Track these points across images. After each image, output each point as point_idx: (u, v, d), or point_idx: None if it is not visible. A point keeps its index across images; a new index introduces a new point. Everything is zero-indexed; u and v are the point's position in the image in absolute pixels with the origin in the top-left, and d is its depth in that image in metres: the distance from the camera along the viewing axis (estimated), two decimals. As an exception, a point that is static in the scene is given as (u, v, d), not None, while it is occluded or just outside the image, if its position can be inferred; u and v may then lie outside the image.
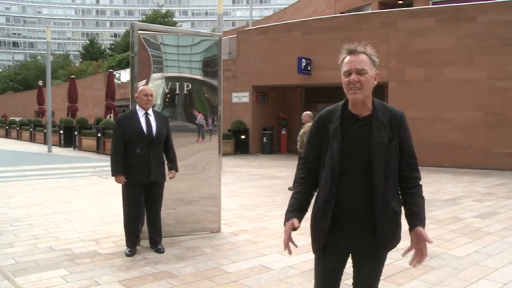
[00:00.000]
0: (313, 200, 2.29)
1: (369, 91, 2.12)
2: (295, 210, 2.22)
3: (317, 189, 2.26)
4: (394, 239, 2.21)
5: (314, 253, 2.30)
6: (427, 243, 2.13)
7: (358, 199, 2.10)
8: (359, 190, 2.10)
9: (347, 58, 2.13)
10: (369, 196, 2.09)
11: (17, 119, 33.03)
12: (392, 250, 2.24)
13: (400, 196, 2.24)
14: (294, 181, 2.37)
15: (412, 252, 2.19)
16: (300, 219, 2.21)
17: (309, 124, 9.77)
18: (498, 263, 4.53)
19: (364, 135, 2.11)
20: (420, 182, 2.24)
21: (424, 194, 2.26)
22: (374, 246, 2.16)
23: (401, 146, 2.16)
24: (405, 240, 2.25)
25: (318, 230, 2.19)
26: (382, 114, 2.14)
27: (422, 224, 2.14)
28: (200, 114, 5.61)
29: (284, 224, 2.21)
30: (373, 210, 2.09)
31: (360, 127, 2.12)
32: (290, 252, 2.20)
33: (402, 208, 2.23)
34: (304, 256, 4.44)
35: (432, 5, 18.04)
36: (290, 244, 2.19)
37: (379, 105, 2.17)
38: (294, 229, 2.18)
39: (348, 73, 2.10)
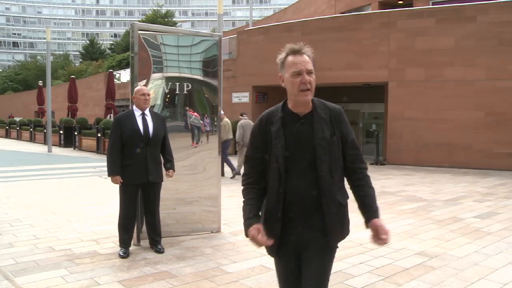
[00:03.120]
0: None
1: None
2: (255, 216, 2.21)
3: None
4: (342, 232, 2.24)
5: (269, 255, 2.30)
6: (387, 231, 2.16)
7: (306, 195, 2.14)
8: (306, 186, 2.13)
9: (293, 58, 2.14)
10: (316, 191, 2.13)
11: (17, 119, 33.04)
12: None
13: (347, 189, 2.28)
14: (243, 187, 2.32)
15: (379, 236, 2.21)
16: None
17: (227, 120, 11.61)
18: (498, 263, 4.53)
19: (306, 132, 2.15)
20: (368, 173, 2.28)
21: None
22: (323, 241, 2.18)
23: (343, 140, 2.21)
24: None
25: (271, 232, 2.19)
26: (322, 111, 2.19)
27: (377, 215, 2.19)
28: (195, 114, 5.50)
29: (246, 233, 2.17)
30: (321, 204, 2.13)
31: (302, 125, 2.16)
32: (268, 244, 2.17)
33: (351, 201, 2.28)
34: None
35: (432, 5, 18.04)
36: (266, 238, 2.16)
37: (318, 102, 2.22)
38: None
39: (299, 74, 2.11)
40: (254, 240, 2.13)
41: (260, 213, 2.26)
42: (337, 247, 2.26)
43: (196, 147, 5.55)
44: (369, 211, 2.21)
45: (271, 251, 2.26)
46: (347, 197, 2.26)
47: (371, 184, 2.26)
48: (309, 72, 2.12)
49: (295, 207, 2.16)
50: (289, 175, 2.15)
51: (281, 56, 2.19)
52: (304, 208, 2.16)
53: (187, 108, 5.46)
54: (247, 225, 2.18)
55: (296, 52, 2.14)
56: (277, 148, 2.15)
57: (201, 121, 5.54)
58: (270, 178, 2.21)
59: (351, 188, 2.27)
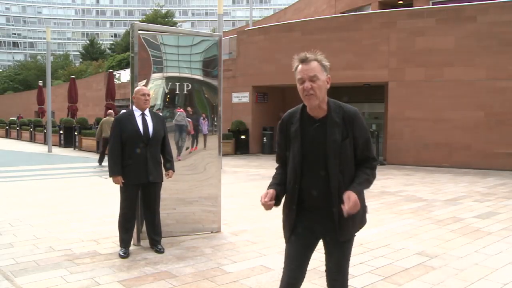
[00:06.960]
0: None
1: (323, 95, 2.33)
2: (275, 184, 2.47)
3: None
4: (354, 224, 2.40)
5: (286, 240, 2.50)
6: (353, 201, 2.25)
7: (318, 192, 2.34)
8: (318, 185, 2.34)
9: (300, 67, 2.32)
10: (327, 189, 2.32)
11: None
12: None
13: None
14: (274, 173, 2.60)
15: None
16: (280, 192, 2.44)
17: (104, 119, 13.13)
18: (498, 263, 4.53)
19: (320, 135, 2.33)
20: (375, 171, 2.43)
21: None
22: (337, 235, 2.37)
23: (355, 142, 2.35)
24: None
25: (288, 217, 2.46)
26: (336, 114, 2.34)
27: (354, 189, 2.29)
28: (181, 110, 5.38)
29: None
30: (331, 202, 2.31)
31: (317, 128, 2.34)
32: (269, 207, 2.34)
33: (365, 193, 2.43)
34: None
35: (432, 5, 18.04)
36: (269, 202, 2.33)
37: (334, 105, 2.37)
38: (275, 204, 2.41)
39: (302, 81, 2.30)
40: (262, 202, 2.35)
41: (283, 182, 2.47)
42: (355, 235, 2.46)
43: (191, 151, 5.50)
44: (350, 186, 2.33)
45: (286, 233, 2.48)
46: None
47: (369, 173, 2.38)
48: (311, 79, 2.27)
49: (309, 201, 2.38)
50: (305, 173, 2.36)
51: (294, 64, 2.36)
52: (316, 203, 2.37)
53: (178, 107, 5.42)
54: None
55: (303, 61, 2.31)
56: (295, 148, 2.37)
57: (187, 119, 5.45)
58: (288, 173, 2.44)
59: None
